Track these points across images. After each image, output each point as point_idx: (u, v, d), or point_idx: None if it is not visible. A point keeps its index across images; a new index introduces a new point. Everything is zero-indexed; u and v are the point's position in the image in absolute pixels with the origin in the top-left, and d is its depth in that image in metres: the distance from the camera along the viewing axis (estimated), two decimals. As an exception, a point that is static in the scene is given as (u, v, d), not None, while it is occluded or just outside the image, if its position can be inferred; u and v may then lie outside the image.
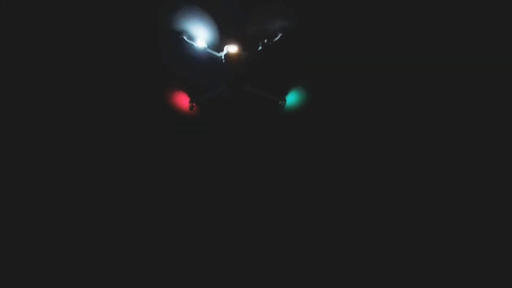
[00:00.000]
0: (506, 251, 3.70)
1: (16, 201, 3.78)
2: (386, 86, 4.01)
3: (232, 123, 4.06)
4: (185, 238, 3.89)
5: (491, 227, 3.77)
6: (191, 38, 3.94)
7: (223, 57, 3.84)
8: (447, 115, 3.95)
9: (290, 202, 3.99)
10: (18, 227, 3.75)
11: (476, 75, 3.93)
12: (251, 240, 3.91)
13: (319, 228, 3.93)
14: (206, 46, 3.92)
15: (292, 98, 4.05)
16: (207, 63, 4.00)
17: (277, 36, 3.95)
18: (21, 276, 3.66)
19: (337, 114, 4.04)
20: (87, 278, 3.72)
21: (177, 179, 4.00)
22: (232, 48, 3.82)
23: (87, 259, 3.77)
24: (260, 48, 3.93)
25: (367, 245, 3.87)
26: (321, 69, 4.02)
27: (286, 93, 4.07)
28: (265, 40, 3.96)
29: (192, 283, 3.80)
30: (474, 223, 3.79)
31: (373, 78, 4.01)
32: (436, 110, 3.96)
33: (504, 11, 3.86)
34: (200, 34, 3.91)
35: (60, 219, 3.82)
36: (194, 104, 4.09)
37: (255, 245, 3.90)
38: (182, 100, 4.07)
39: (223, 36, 3.89)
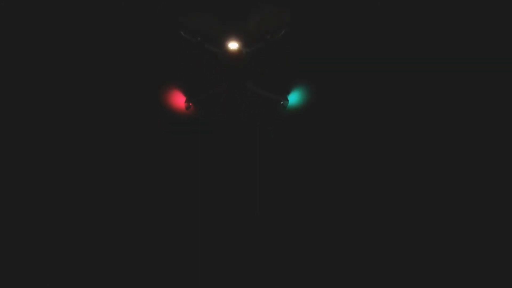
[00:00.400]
0: (506, 251, 3.70)
1: (13, 202, 3.78)
2: (386, 86, 4.01)
3: (231, 123, 4.04)
4: (184, 238, 3.89)
5: (491, 227, 3.77)
6: (189, 33, 3.80)
7: (222, 54, 3.69)
8: (447, 115, 3.95)
9: (290, 201, 3.99)
10: (17, 227, 3.75)
11: (476, 75, 3.92)
12: (251, 240, 3.91)
13: (319, 228, 3.93)
14: (204, 41, 3.77)
15: (294, 98, 3.98)
16: (206, 60, 3.88)
17: (281, 32, 3.81)
18: (21, 276, 3.67)
19: (337, 114, 4.04)
20: (87, 278, 3.73)
21: (176, 178, 4.00)
22: (232, 45, 3.67)
23: (86, 260, 3.77)
24: (262, 44, 3.78)
25: (367, 245, 3.87)
26: (322, 69, 4.00)
27: (288, 92, 3.98)
28: (268, 36, 3.83)
29: (191, 282, 3.80)
30: (477, 223, 3.79)
31: (373, 78, 4.00)
32: (437, 110, 3.96)
33: (504, 11, 3.86)
34: (198, 29, 3.77)
35: (58, 220, 3.82)
36: (190, 103, 3.97)
37: (255, 244, 3.91)
38: (178, 99, 3.94)
39: (223, 31, 3.72)
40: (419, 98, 3.98)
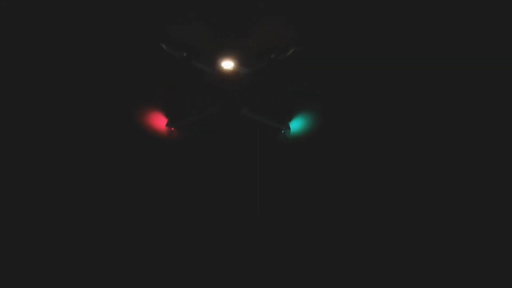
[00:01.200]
0: (506, 251, 3.71)
1: (13, 202, 3.78)
2: (386, 87, 4.00)
3: (231, 122, 4.01)
4: (184, 238, 3.89)
5: (491, 227, 3.77)
6: (173, 47, 3.24)
7: (213, 74, 3.15)
8: (448, 116, 3.95)
9: (291, 201, 3.98)
10: (17, 228, 3.75)
11: (476, 75, 3.93)
12: (251, 240, 3.91)
13: (320, 228, 3.93)
14: (191, 58, 3.22)
15: (297, 125, 3.61)
16: (192, 80, 3.33)
17: (289, 50, 3.23)
18: (21, 276, 3.67)
19: (338, 116, 4.03)
20: (87, 278, 3.73)
21: (176, 178, 3.99)
22: (227, 64, 3.11)
23: (86, 260, 3.76)
24: (263, 65, 3.24)
25: (367, 245, 3.86)
26: (324, 70, 3.92)
27: (290, 120, 3.64)
28: (273, 55, 3.25)
29: (191, 282, 3.80)
30: (481, 225, 3.79)
31: (374, 79, 3.99)
32: (437, 111, 3.96)
33: (504, 11, 3.86)
34: (184, 42, 3.21)
35: (58, 221, 3.81)
36: (172, 128, 3.48)
37: (255, 244, 3.90)
38: (158, 122, 3.46)
39: (217, 47, 3.13)
40: (419, 98, 3.97)
